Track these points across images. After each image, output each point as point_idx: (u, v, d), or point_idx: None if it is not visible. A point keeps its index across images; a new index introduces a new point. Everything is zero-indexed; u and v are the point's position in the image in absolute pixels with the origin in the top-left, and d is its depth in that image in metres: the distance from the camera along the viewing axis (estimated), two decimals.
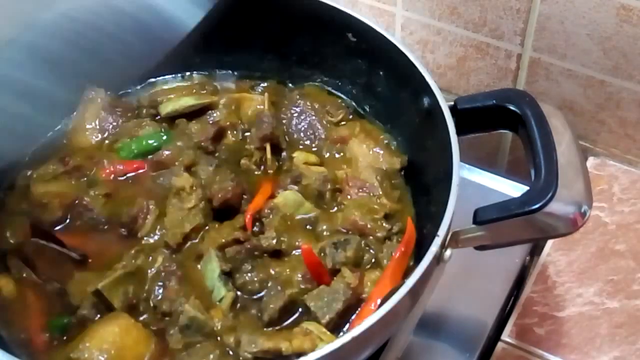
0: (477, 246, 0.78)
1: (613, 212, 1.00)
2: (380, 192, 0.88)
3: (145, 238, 0.85)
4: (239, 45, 1.01)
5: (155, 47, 0.86)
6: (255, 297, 0.81)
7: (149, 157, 0.93)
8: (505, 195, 0.97)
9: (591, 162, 1.06)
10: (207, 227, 0.86)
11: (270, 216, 0.86)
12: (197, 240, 0.85)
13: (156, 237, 0.85)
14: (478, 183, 1.04)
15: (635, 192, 1.02)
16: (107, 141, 0.95)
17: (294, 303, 0.80)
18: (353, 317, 0.80)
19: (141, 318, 0.79)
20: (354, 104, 0.99)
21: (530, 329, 0.90)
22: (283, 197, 0.88)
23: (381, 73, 0.94)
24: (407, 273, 0.81)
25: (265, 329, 0.79)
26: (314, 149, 0.95)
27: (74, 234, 0.86)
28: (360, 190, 0.89)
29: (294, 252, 0.84)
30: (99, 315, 0.79)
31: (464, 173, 0.99)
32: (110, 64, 0.95)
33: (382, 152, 0.93)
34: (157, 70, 1.02)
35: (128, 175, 0.91)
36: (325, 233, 0.87)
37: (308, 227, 0.87)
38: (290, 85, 1.01)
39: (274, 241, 0.84)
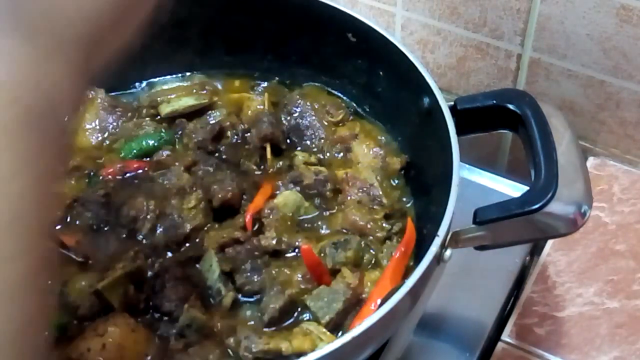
0: (477, 246, 0.78)
1: (613, 212, 1.00)
2: (380, 192, 0.88)
3: (145, 238, 0.85)
4: (239, 45, 1.01)
5: None
6: (255, 297, 0.81)
7: (149, 157, 0.93)
8: (505, 195, 0.97)
9: (591, 162, 1.06)
10: (207, 227, 0.86)
11: (270, 216, 0.86)
12: (197, 240, 0.85)
13: (156, 237, 0.85)
14: (478, 183, 1.04)
15: (635, 192, 1.02)
16: (107, 141, 0.95)
17: (294, 303, 0.80)
18: (353, 317, 0.80)
19: (141, 318, 0.79)
20: (354, 104, 0.99)
21: (530, 329, 0.90)
22: (283, 197, 0.88)
23: (381, 73, 0.94)
24: (407, 273, 0.81)
25: (265, 329, 0.79)
26: (314, 149, 0.95)
27: (74, 234, 0.86)
28: (360, 190, 0.89)
29: (293, 252, 0.84)
30: (99, 315, 0.79)
31: (464, 173, 0.99)
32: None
33: (382, 152, 0.93)
34: (157, 70, 1.02)
35: (128, 175, 0.91)
36: (325, 233, 0.87)
37: (308, 227, 0.87)
38: (290, 85, 1.01)
39: (274, 241, 0.84)
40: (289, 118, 0.96)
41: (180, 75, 1.03)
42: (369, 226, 0.86)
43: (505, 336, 0.90)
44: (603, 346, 0.89)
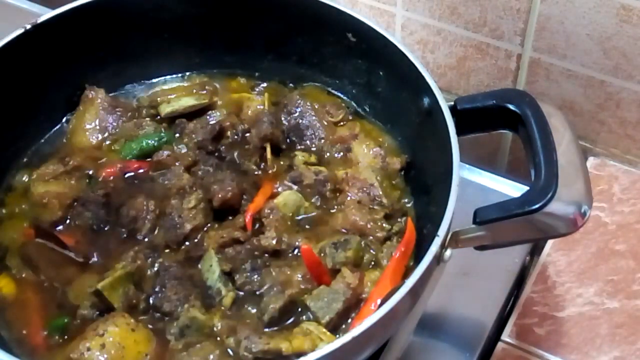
0: (477, 246, 0.78)
1: (613, 212, 1.00)
2: (380, 192, 0.88)
3: (145, 238, 0.85)
4: (239, 45, 1.01)
5: None
6: (255, 297, 0.81)
7: (149, 157, 0.93)
8: (505, 195, 0.97)
9: (591, 162, 1.06)
10: (207, 227, 0.86)
11: (270, 216, 0.86)
12: (197, 240, 0.85)
13: (156, 237, 0.85)
14: (478, 183, 1.04)
15: (635, 192, 1.02)
16: (107, 141, 0.95)
17: (294, 303, 0.80)
18: (353, 317, 0.80)
19: (141, 318, 0.79)
20: (354, 104, 0.99)
21: (530, 329, 0.90)
22: (283, 197, 0.88)
23: (381, 73, 0.94)
24: (407, 273, 0.81)
25: (265, 329, 0.79)
26: (314, 149, 0.95)
27: (74, 234, 0.86)
28: (360, 190, 0.89)
29: (293, 252, 0.84)
30: (99, 315, 0.79)
31: (464, 173, 0.99)
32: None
33: (382, 152, 0.93)
34: (157, 70, 1.02)
35: (128, 175, 0.91)
36: (325, 233, 0.87)
37: (308, 227, 0.87)
38: (290, 85, 1.01)
39: (274, 241, 0.84)
40: (289, 118, 0.96)
41: (180, 75, 1.03)
42: (369, 226, 0.86)
43: (505, 336, 0.90)
44: (603, 346, 0.89)
